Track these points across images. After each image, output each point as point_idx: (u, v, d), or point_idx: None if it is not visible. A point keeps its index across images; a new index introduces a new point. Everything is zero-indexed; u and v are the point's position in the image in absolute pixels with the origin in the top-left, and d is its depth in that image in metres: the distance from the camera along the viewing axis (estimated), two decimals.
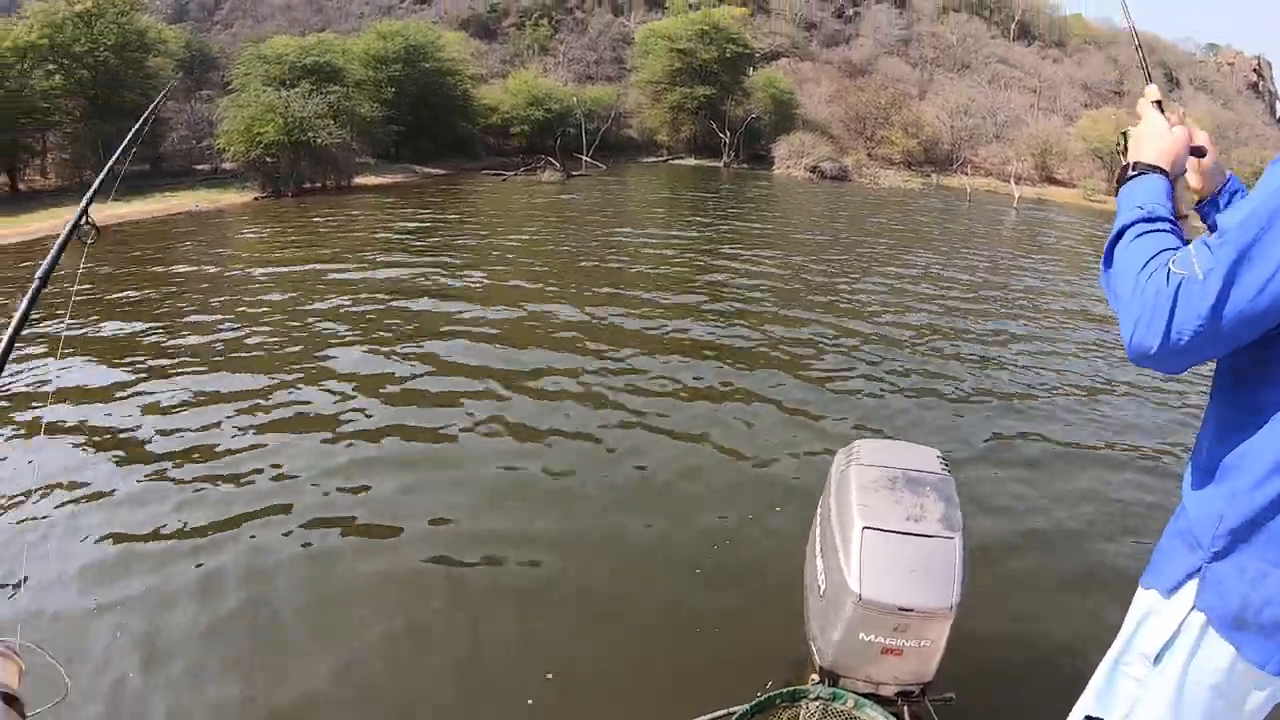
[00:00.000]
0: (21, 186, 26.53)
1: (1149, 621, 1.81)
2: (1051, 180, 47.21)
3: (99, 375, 8.26)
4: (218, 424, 6.95)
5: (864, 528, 2.85)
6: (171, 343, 9.39)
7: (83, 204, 2.54)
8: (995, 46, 69.02)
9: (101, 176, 2.86)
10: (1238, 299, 1.45)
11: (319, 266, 13.70)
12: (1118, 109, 52.01)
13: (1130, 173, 1.87)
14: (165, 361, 8.67)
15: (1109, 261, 1.75)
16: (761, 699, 2.92)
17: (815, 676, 3.08)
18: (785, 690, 2.96)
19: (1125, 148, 1.95)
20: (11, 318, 1.91)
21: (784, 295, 12.59)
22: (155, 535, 5.19)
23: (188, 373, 8.32)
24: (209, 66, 39.14)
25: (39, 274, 2.14)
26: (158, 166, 29.09)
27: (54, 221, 19.27)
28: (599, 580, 4.78)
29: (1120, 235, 1.74)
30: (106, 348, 9.19)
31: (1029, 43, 72.49)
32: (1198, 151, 1.94)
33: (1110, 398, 8.81)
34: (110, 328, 9.95)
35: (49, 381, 8.09)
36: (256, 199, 24.46)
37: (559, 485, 5.97)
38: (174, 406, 7.41)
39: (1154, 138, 1.90)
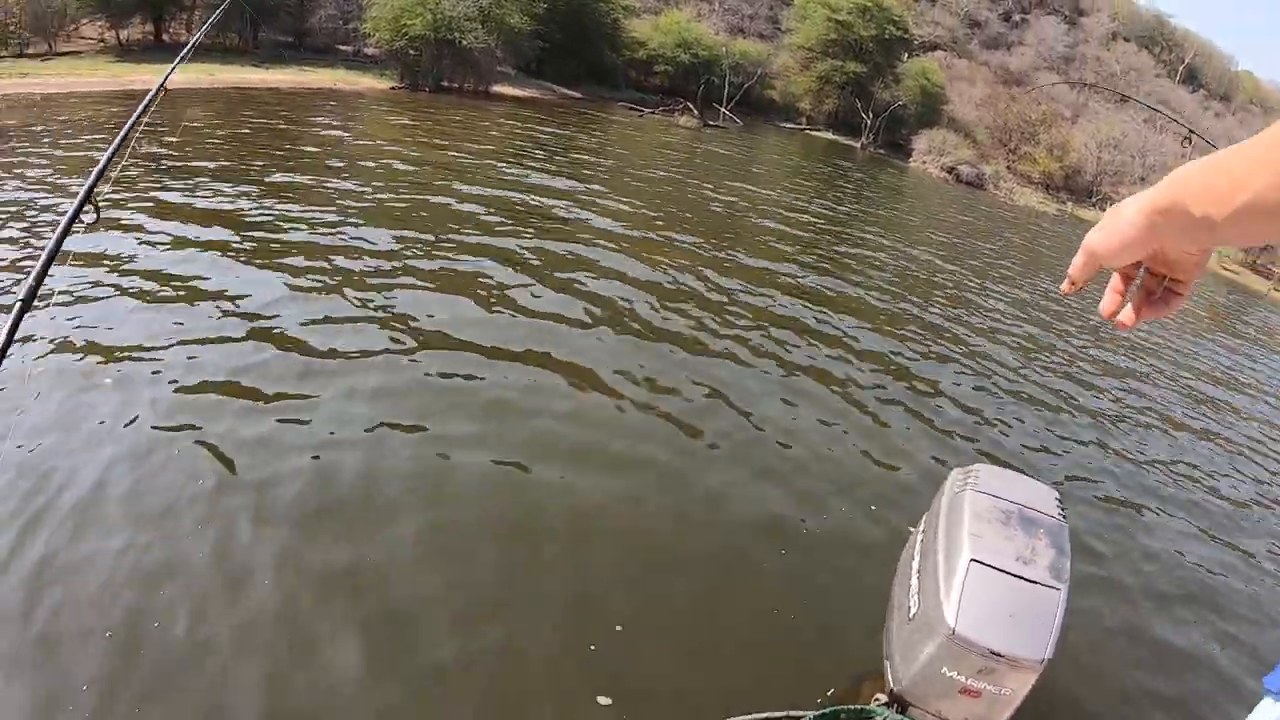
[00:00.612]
0: (165, 38, 26.87)
1: None
2: None
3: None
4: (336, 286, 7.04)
5: (971, 560, 2.69)
6: (295, 209, 9.50)
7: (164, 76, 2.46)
8: (1158, 85, 66.25)
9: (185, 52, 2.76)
10: None
11: (448, 157, 13.79)
12: None
13: None
14: (289, 228, 8.80)
15: None
16: (826, 710, 2.79)
17: (882, 697, 2.95)
18: (853, 708, 2.84)
19: None
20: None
21: (910, 290, 12.28)
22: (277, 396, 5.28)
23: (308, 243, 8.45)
24: None
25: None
26: (302, 40, 29.46)
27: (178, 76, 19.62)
28: (687, 540, 4.68)
29: None
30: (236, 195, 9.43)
31: (1193, 89, 69.45)
32: None
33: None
34: (226, 188, 10.11)
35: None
36: (394, 88, 24.67)
37: (675, 440, 5.84)
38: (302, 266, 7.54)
39: None
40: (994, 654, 2.58)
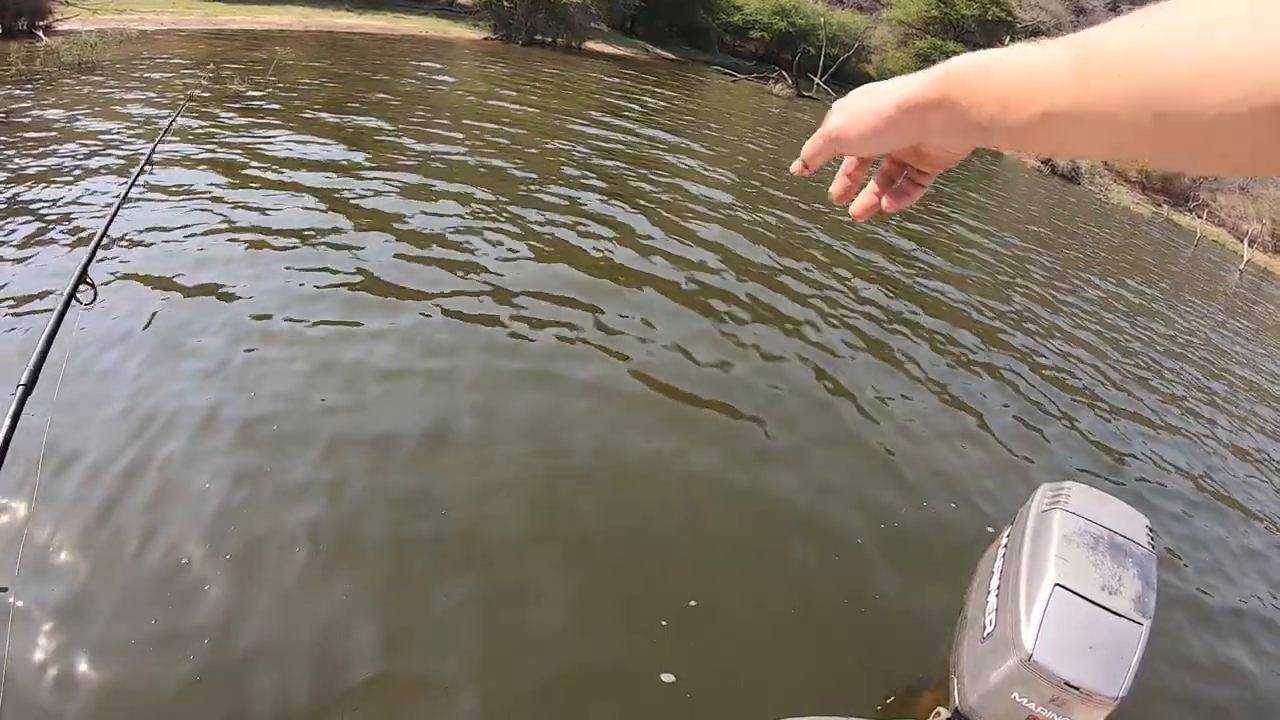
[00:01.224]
0: None
1: None
2: None
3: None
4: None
5: (1057, 584, 2.58)
6: (393, 146, 9.54)
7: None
8: None
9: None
10: None
11: (545, 111, 13.75)
12: None
13: None
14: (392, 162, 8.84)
15: None
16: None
17: (944, 712, 2.85)
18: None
19: None
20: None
21: (999, 283, 11.95)
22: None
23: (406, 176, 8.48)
24: None
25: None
26: None
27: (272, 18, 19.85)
28: (759, 525, 4.57)
29: None
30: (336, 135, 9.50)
31: None
32: None
33: None
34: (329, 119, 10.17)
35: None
36: (486, 39, 24.66)
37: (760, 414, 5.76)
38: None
39: None
40: (1069, 685, 2.47)
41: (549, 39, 26.69)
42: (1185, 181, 45.28)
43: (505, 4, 24.99)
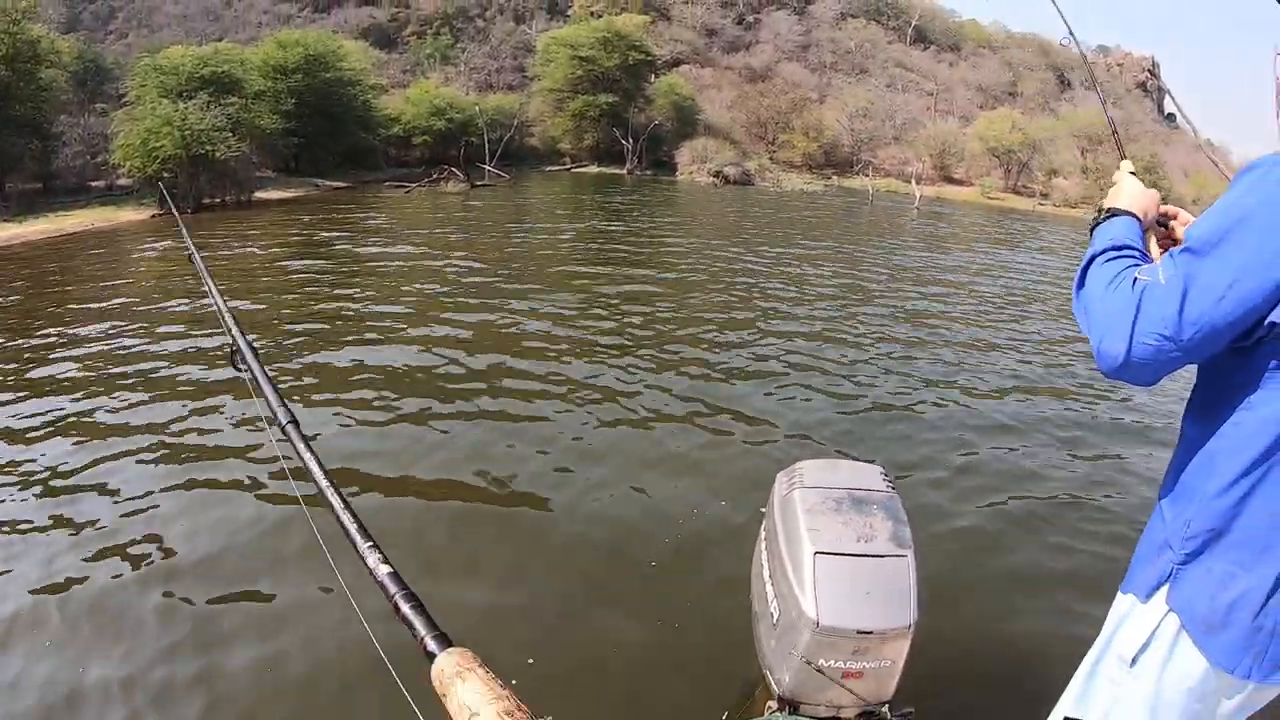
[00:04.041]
0: None
1: (1126, 624, 1.84)
2: (950, 180, 48.46)
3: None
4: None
5: (815, 553, 2.79)
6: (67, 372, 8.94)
7: None
8: (893, 51, 70.69)
9: None
10: (1200, 303, 1.49)
11: (228, 274, 13.26)
12: (1012, 109, 53.64)
13: (1104, 215, 1.95)
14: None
15: (1080, 284, 1.81)
16: None
17: (773, 704, 3.01)
18: None
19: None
20: None
21: (694, 294, 12.62)
22: None
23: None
24: (103, 78, 37.84)
25: None
26: (50, 184, 27.80)
27: None
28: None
29: (1091, 260, 1.81)
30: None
31: (925, 47, 74.27)
32: (1164, 219, 2.04)
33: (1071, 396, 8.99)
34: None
35: None
36: (154, 216, 23.50)
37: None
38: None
39: (1129, 191, 2.00)
40: (862, 633, 2.68)
41: (218, 199, 25.83)
42: (845, 149, 49.06)
43: (165, 175, 23.71)
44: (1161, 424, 8.16)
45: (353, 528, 1.36)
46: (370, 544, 1.28)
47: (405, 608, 1.15)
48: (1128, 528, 5.70)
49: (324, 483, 1.66)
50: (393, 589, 1.21)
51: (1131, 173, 2.09)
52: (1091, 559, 5.25)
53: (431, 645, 1.11)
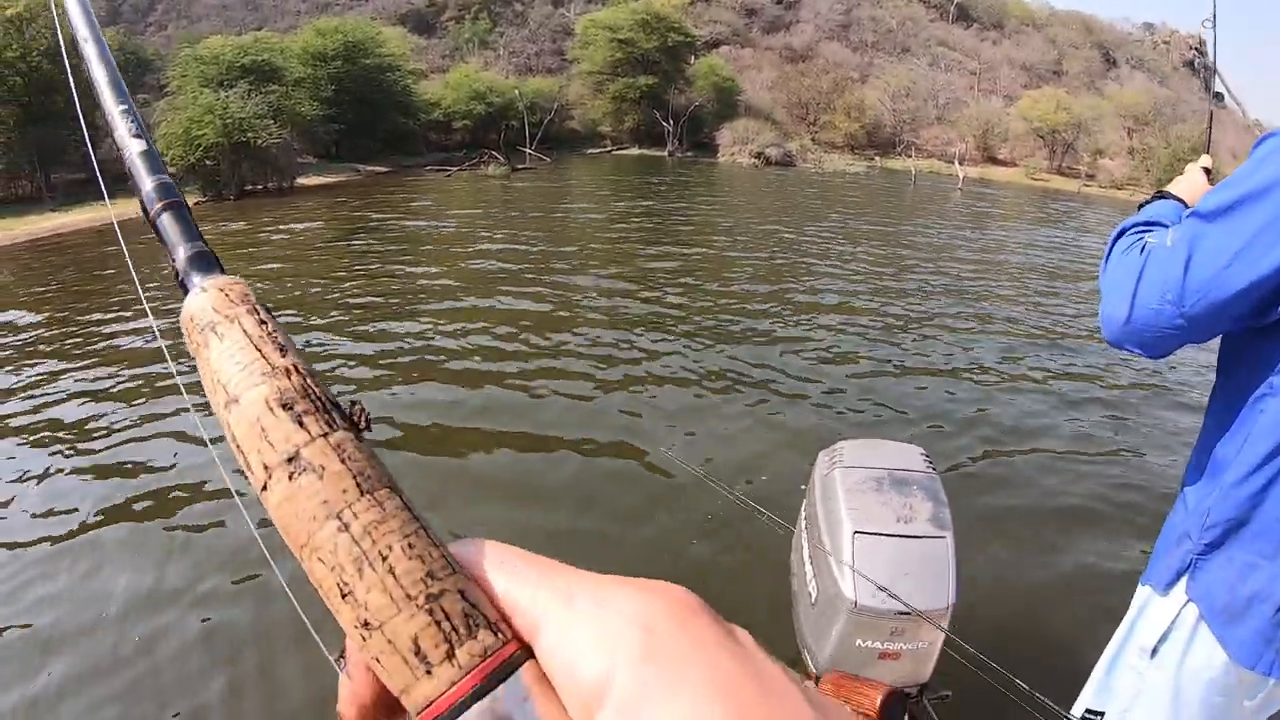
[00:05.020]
0: None
1: (1146, 614, 1.82)
2: (994, 160, 47.87)
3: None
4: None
5: (855, 532, 2.79)
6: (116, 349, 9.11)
7: None
8: (935, 29, 69.62)
9: None
10: (1206, 267, 1.44)
11: (270, 269, 13.43)
12: (1057, 88, 52.76)
13: (1153, 197, 1.94)
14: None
15: (1108, 257, 1.77)
16: None
17: (811, 684, 3.02)
18: None
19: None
20: None
21: (739, 274, 12.69)
22: None
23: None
24: (145, 69, 38.19)
25: None
26: (96, 173, 27.86)
27: None
28: None
29: (1121, 234, 1.78)
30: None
31: (968, 25, 73.18)
32: None
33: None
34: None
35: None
36: (197, 203, 23.78)
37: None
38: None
39: (1187, 182, 1.97)
40: (900, 614, 2.68)
41: (260, 185, 26.10)
42: (887, 130, 48.58)
43: (208, 163, 24.19)
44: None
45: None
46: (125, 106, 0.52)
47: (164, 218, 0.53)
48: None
49: None
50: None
51: (1205, 169, 2.04)
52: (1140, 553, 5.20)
53: (188, 277, 0.50)
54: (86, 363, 8.60)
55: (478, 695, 0.34)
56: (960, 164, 38.78)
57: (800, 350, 9.00)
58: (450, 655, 0.34)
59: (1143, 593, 1.85)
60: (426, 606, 0.35)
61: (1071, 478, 6.32)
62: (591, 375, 8.00)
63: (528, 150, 36.81)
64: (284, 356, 0.43)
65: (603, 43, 44.55)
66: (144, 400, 7.40)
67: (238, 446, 0.41)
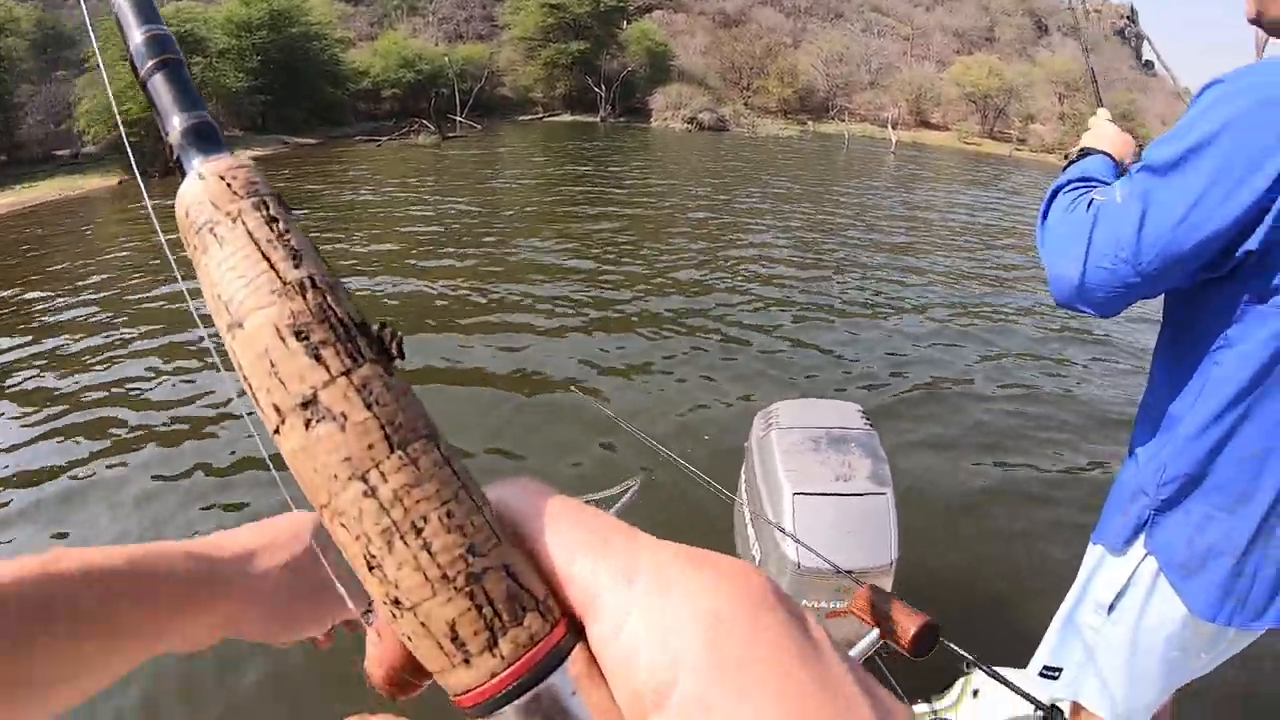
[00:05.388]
0: None
1: (1101, 571, 1.82)
2: (926, 124, 48.30)
3: None
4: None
5: (794, 494, 2.76)
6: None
7: None
8: None
9: None
10: (1160, 223, 1.41)
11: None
12: (989, 54, 53.31)
13: (1077, 154, 1.91)
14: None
15: (1044, 216, 1.74)
16: None
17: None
18: None
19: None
20: None
21: (669, 234, 12.84)
22: None
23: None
24: (64, 44, 36.91)
25: None
26: (14, 155, 27.03)
27: None
28: None
29: (1057, 191, 1.75)
30: None
31: None
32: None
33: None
34: None
35: None
36: (121, 181, 23.10)
37: None
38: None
39: (1104, 134, 1.95)
40: (844, 572, 2.66)
41: None
42: (820, 95, 48.75)
43: (132, 140, 23.28)
44: None
45: None
46: None
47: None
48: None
49: None
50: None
51: (1108, 119, 2.04)
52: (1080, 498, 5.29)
53: (185, 155, 0.40)
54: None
55: (521, 689, 0.30)
56: (893, 128, 39.07)
57: (738, 306, 9.18)
58: (492, 645, 0.30)
59: (1095, 551, 1.85)
60: (466, 589, 0.30)
61: (1007, 421, 6.54)
62: (532, 326, 8.23)
63: (458, 118, 36.25)
64: (298, 268, 0.35)
65: (534, 7, 43.85)
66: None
67: (245, 379, 0.33)
